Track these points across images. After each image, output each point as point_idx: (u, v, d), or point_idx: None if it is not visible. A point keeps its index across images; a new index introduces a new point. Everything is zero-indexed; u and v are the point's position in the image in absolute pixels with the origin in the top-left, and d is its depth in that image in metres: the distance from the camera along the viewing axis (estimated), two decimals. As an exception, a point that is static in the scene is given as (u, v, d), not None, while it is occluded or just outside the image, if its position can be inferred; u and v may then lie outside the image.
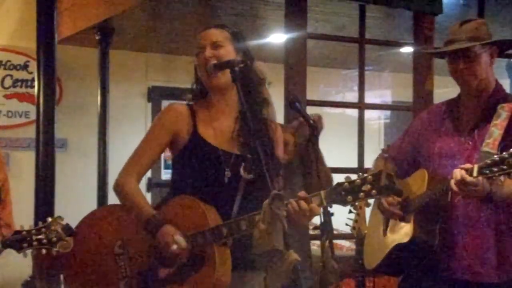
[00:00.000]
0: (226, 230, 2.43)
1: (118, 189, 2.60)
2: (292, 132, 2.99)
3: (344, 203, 2.31)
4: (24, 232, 2.41)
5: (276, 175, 2.49)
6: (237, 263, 2.49)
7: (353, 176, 2.31)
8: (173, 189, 2.66)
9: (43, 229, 2.40)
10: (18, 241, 2.40)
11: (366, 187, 2.26)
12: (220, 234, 2.43)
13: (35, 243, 2.39)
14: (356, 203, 2.38)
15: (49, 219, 2.42)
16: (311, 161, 2.99)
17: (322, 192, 2.34)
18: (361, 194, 2.28)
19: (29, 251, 2.47)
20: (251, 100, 2.60)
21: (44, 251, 2.41)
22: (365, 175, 2.27)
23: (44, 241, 2.39)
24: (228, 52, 2.59)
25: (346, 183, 2.29)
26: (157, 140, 2.62)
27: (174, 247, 2.42)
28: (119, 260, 2.55)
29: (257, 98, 2.66)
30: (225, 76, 2.56)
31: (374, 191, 2.26)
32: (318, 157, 2.82)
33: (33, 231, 2.40)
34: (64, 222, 2.45)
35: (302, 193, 2.38)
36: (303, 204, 2.35)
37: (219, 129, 2.62)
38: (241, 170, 2.55)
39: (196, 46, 2.64)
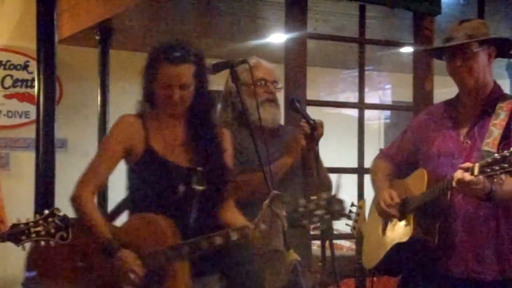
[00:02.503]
0: (187, 249, 2.49)
1: (75, 203, 2.62)
2: (299, 136, 2.99)
3: (300, 226, 2.50)
4: (22, 225, 2.40)
5: (225, 184, 2.62)
6: (195, 269, 2.54)
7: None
8: (129, 202, 2.72)
9: (41, 221, 2.40)
10: (17, 234, 2.40)
11: (319, 212, 2.48)
12: (181, 253, 2.49)
13: (33, 235, 2.39)
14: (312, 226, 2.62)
15: (46, 211, 2.43)
16: (311, 162, 3.00)
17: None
18: (315, 218, 2.50)
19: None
20: (200, 107, 2.67)
21: (42, 243, 2.42)
22: (317, 199, 2.47)
23: (43, 233, 2.39)
24: (192, 90, 2.63)
25: (300, 208, 2.48)
26: (112, 153, 2.66)
27: (132, 276, 2.47)
28: (81, 273, 2.58)
29: (206, 103, 2.71)
30: (187, 103, 2.62)
31: (326, 216, 2.48)
32: (318, 159, 2.81)
33: (31, 224, 2.40)
34: (61, 213, 2.45)
35: (255, 221, 2.47)
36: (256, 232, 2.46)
37: (170, 140, 2.66)
38: (193, 183, 2.61)
39: (160, 80, 2.62)
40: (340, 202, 2.48)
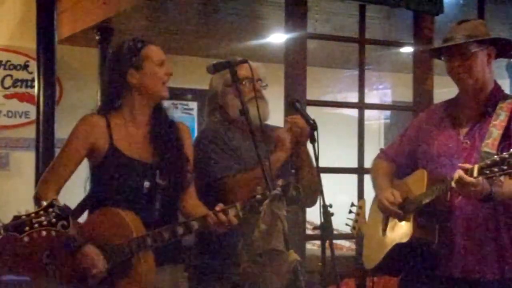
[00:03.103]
0: (150, 240, 2.57)
1: (37, 202, 2.65)
2: (287, 130, 2.99)
3: (257, 213, 2.51)
4: (24, 216, 2.44)
5: (186, 175, 2.72)
6: (158, 259, 2.62)
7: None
8: (93, 199, 2.76)
9: (41, 212, 2.44)
10: (20, 225, 2.43)
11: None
12: (144, 244, 2.56)
13: (36, 225, 2.42)
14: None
15: (44, 203, 2.46)
16: (302, 160, 3.02)
17: (237, 204, 2.58)
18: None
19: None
20: (160, 106, 2.77)
21: (44, 233, 2.45)
22: (270, 191, 2.45)
23: (45, 223, 2.42)
24: None
25: (258, 195, 2.53)
26: (74, 153, 2.71)
27: (94, 271, 2.55)
28: (49, 269, 2.63)
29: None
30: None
31: (282, 203, 2.45)
32: (316, 156, 2.81)
33: (32, 215, 2.44)
34: (60, 203, 2.49)
35: (219, 206, 2.59)
36: (221, 216, 2.56)
37: (133, 138, 2.72)
38: (157, 178, 2.68)
39: (151, 59, 2.73)
40: (297, 188, 2.54)
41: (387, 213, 2.85)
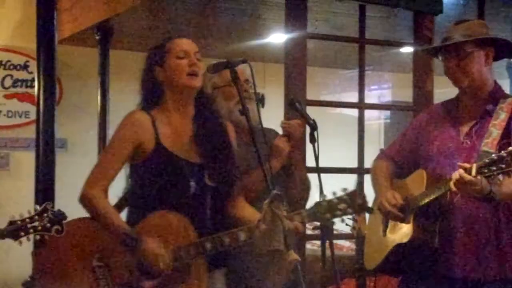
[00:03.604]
0: (209, 246, 2.48)
1: (87, 203, 2.57)
2: (286, 139, 2.99)
3: (323, 220, 2.53)
4: (19, 222, 2.45)
5: (236, 180, 2.64)
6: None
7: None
8: (134, 199, 2.66)
9: (36, 217, 2.44)
10: (15, 230, 2.44)
11: (342, 205, 2.50)
12: (204, 250, 2.48)
13: (31, 230, 2.43)
14: (333, 220, 2.58)
15: (38, 207, 2.46)
16: (293, 162, 3.02)
17: (303, 211, 2.54)
18: (338, 212, 2.51)
19: (27, 241, 2.51)
20: (205, 104, 2.69)
21: (38, 237, 2.46)
22: (341, 194, 2.51)
23: (39, 228, 2.43)
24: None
25: (324, 202, 2.51)
26: (121, 151, 2.61)
27: (160, 264, 2.45)
28: (99, 273, 2.54)
29: (211, 101, 2.75)
30: (202, 80, 2.66)
31: (349, 209, 2.50)
32: (316, 156, 2.81)
33: (27, 220, 2.45)
34: (54, 208, 2.49)
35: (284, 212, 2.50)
36: (288, 223, 2.44)
37: (178, 136, 2.63)
38: (206, 179, 2.60)
39: (174, 52, 2.67)
40: (362, 196, 2.51)
41: (387, 215, 2.85)
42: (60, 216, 2.46)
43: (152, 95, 2.68)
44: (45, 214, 2.45)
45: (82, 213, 2.69)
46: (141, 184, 2.64)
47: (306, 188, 3.00)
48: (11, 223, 2.47)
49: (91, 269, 2.55)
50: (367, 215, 3.31)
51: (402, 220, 2.79)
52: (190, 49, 2.68)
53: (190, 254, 2.48)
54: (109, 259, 2.54)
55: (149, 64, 2.70)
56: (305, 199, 3.02)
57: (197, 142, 2.63)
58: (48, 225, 2.44)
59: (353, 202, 2.49)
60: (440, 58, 2.82)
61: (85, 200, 2.57)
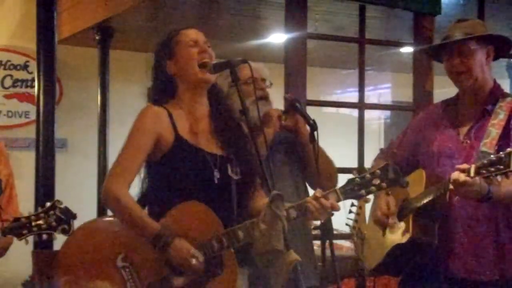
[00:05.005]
0: (242, 234, 2.40)
1: (111, 201, 2.45)
2: (279, 111, 2.98)
3: (357, 197, 2.49)
4: (23, 219, 2.37)
5: (256, 173, 2.56)
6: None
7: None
8: (154, 199, 2.58)
9: (42, 215, 2.35)
10: (18, 228, 2.36)
11: (376, 180, 2.42)
12: (237, 238, 2.40)
13: (35, 229, 2.34)
14: (369, 196, 2.53)
15: (48, 204, 2.38)
16: (310, 156, 2.98)
17: (338, 189, 2.46)
18: (372, 187, 2.44)
19: (30, 238, 2.44)
20: (219, 98, 2.66)
21: (44, 236, 2.37)
22: (374, 170, 2.44)
23: (44, 226, 2.34)
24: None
25: (357, 179, 2.45)
26: (142, 146, 2.51)
27: (193, 261, 2.37)
28: (125, 273, 2.43)
29: (225, 96, 2.72)
30: (215, 76, 2.62)
31: (383, 183, 2.42)
32: (316, 156, 2.80)
33: (32, 217, 2.36)
34: (63, 206, 2.39)
35: (318, 192, 2.45)
36: (323, 201, 2.42)
37: (196, 129, 2.57)
38: (229, 171, 2.55)
39: (184, 42, 2.61)
40: (395, 170, 2.42)
41: (378, 223, 2.86)
42: (68, 215, 2.37)
43: (165, 90, 2.62)
44: (52, 212, 2.35)
45: (82, 213, 2.67)
46: (163, 180, 2.55)
47: (330, 175, 2.95)
48: (16, 220, 2.40)
49: (117, 271, 2.43)
50: (367, 215, 3.31)
51: (392, 229, 2.80)
52: (199, 38, 2.63)
53: (222, 244, 2.40)
54: (133, 258, 2.44)
55: (159, 59, 2.64)
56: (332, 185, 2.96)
57: (217, 135, 2.58)
58: (54, 223, 2.34)
59: (387, 176, 2.41)
60: (442, 58, 2.81)
61: (109, 197, 2.44)
